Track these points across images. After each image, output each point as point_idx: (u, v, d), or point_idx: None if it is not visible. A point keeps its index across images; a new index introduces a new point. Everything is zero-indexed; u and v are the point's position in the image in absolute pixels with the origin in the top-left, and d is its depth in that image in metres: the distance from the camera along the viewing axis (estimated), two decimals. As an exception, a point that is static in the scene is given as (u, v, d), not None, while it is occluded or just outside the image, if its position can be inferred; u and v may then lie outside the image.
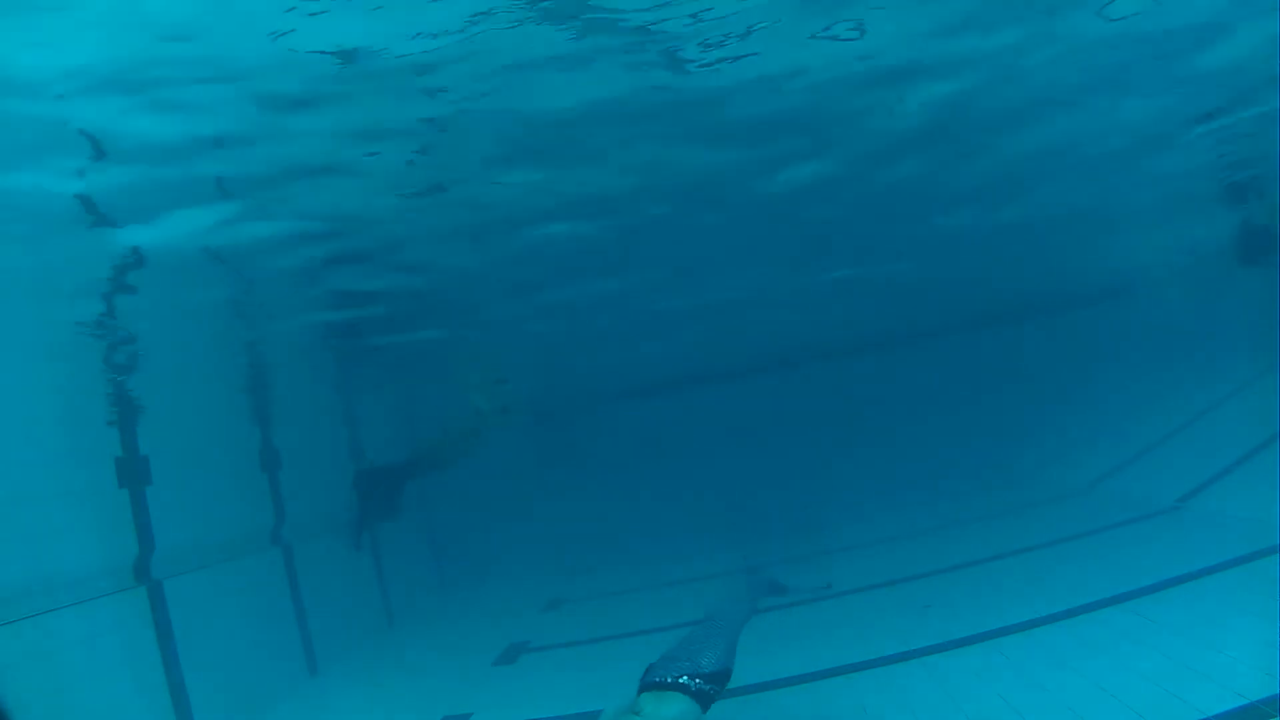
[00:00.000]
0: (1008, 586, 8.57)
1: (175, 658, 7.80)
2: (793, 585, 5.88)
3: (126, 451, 8.11)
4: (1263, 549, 7.53)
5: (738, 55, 5.24)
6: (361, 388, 13.60)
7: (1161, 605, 6.88)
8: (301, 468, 11.27)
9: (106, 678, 7.00)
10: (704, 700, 4.61)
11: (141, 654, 7.56)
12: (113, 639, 7.24)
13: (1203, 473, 10.58)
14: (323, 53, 4.48)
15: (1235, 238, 13.76)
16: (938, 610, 8.14)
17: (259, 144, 5.26)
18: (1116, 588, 7.49)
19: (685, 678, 4.58)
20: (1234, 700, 4.93)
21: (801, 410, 19.27)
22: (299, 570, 10.54)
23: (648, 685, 4.63)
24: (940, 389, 18.82)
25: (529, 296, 10.22)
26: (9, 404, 6.77)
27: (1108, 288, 18.60)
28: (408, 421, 15.96)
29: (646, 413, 19.48)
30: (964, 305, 18.35)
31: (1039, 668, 6.13)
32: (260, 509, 10.46)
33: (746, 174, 7.56)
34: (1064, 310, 18.87)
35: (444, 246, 7.75)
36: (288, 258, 7.10)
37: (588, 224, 7.86)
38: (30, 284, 6.31)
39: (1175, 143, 9.32)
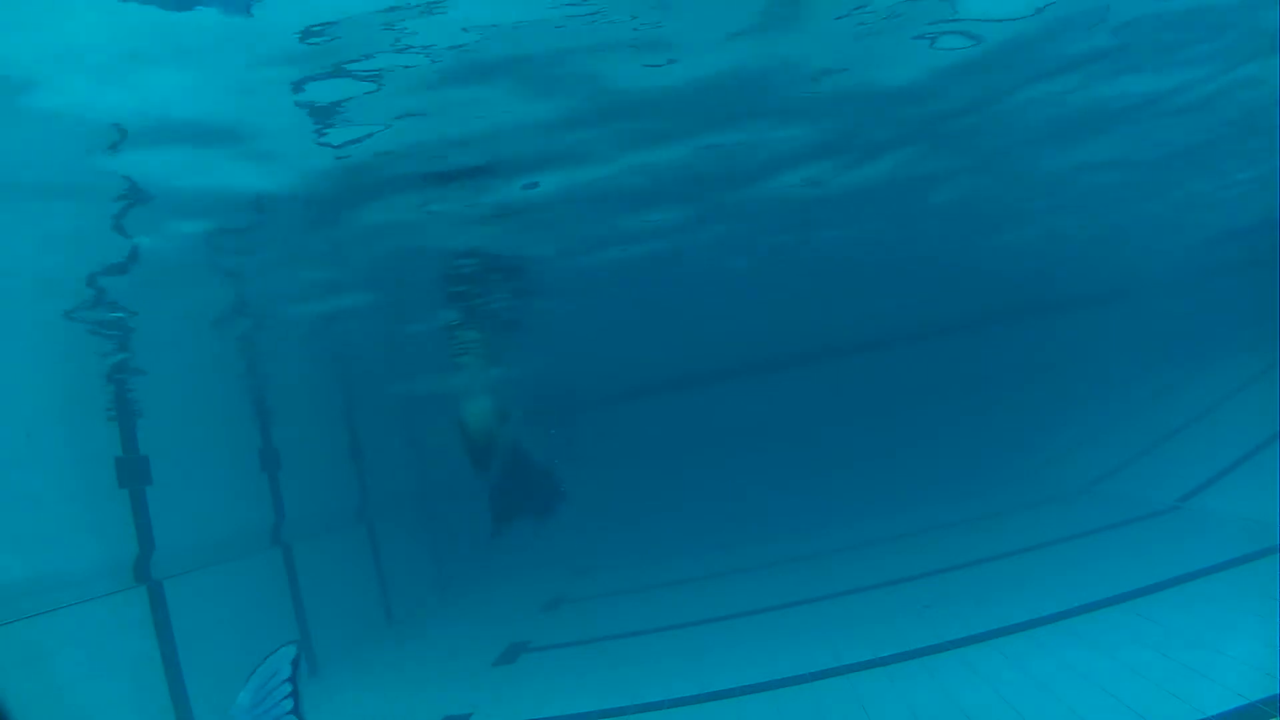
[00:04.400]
0: (1008, 586, 8.56)
1: (175, 658, 7.80)
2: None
3: (126, 451, 8.12)
4: (1263, 549, 7.52)
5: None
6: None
7: (1161, 605, 6.88)
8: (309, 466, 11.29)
9: (106, 678, 7.00)
10: None
11: (141, 654, 7.56)
12: (113, 639, 7.24)
13: (1203, 473, 10.58)
14: None
15: None
16: (938, 610, 8.14)
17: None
18: (1116, 588, 7.48)
19: None
20: (1234, 700, 4.93)
21: (801, 410, 19.29)
22: (299, 570, 10.55)
23: None
24: (940, 389, 18.84)
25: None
26: (9, 404, 6.77)
27: (1109, 288, 18.61)
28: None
29: (646, 412, 19.51)
30: (963, 305, 18.36)
31: (1039, 668, 6.13)
32: (260, 509, 10.47)
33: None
34: (1065, 310, 18.89)
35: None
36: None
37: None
38: (30, 280, 6.31)
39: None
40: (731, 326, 15.88)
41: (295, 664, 3.86)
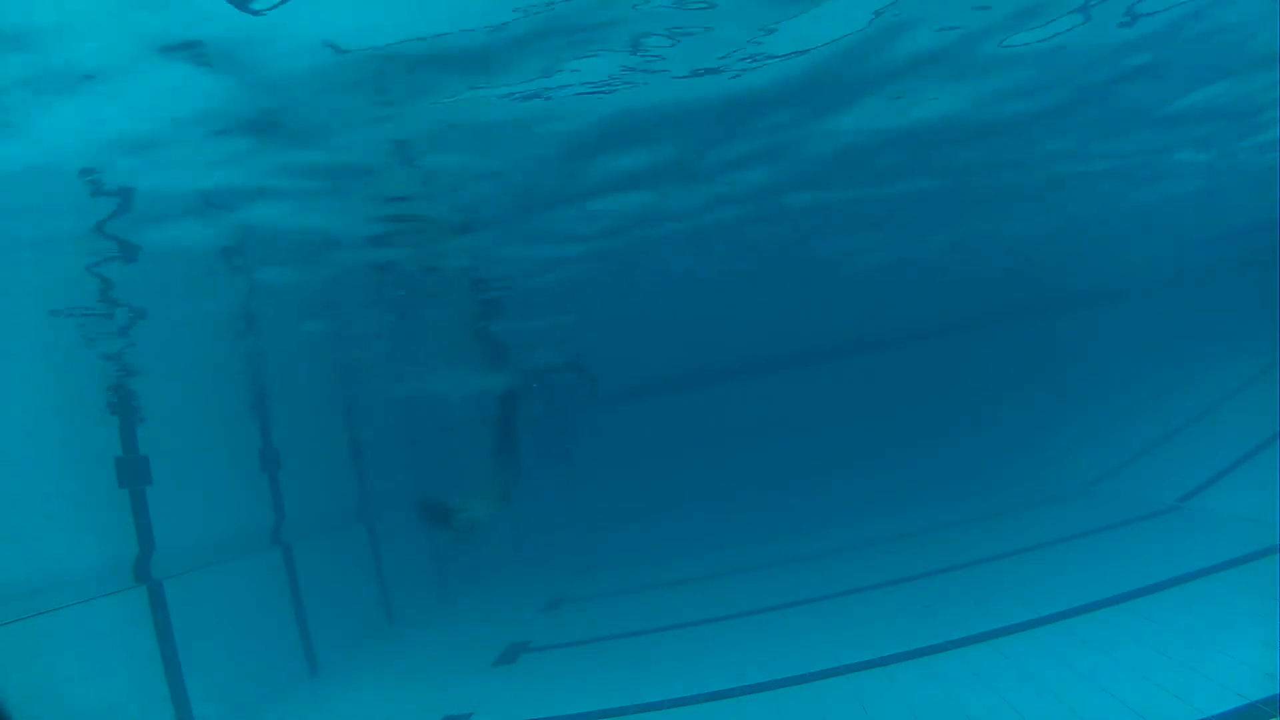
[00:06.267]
0: (1008, 586, 8.56)
1: (175, 658, 7.80)
2: None
3: (126, 451, 8.11)
4: (1263, 549, 7.52)
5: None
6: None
7: (1161, 605, 6.87)
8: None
9: (106, 678, 7.00)
10: None
11: (141, 654, 7.56)
12: (113, 639, 7.24)
13: (1203, 473, 10.57)
14: None
15: None
16: (938, 610, 8.13)
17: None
18: (1116, 588, 7.48)
19: None
20: (1234, 700, 4.93)
21: (801, 410, 19.28)
22: (299, 570, 10.55)
23: None
24: (940, 389, 18.84)
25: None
26: (9, 404, 6.77)
27: (1109, 288, 18.62)
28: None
29: (647, 412, 19.50)
30: (964, 305, 18.37)
31: (1039, 668, 6.13)
32: (260, 509, 10.46)
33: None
34: (1065, 310, 18.89)
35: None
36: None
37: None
38: (31, 280, 6.31)
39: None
40: (732, 326, 15.88)
41: None
